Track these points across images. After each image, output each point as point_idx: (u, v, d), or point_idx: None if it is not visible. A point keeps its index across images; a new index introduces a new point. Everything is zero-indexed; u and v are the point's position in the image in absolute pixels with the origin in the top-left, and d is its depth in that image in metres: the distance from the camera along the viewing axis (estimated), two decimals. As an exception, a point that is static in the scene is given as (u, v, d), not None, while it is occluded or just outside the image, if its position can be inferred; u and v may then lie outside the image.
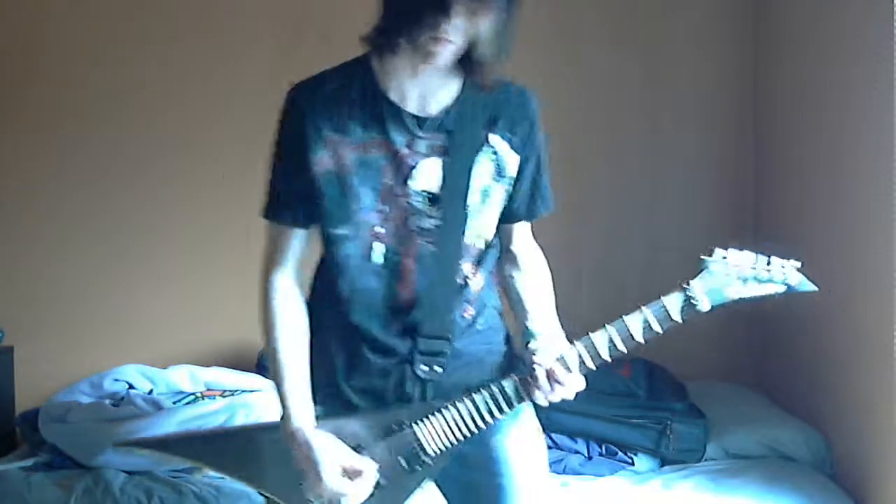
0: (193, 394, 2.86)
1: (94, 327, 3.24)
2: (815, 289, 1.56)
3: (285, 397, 1.59)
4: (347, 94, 1.57)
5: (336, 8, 2.97)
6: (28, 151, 3.24)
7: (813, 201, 2.78)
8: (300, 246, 1.64)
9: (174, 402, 2.77)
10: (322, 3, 3.14)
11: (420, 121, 1.58)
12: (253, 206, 1.66)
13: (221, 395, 2.79)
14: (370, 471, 1.57)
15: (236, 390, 2.84)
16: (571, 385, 1.57)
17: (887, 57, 2.26)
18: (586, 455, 2.60)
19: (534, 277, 1.71)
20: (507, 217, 1.68)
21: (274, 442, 1.61)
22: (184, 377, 2.93)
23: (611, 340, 1.56)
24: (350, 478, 1.55)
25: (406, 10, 1.47)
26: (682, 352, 3.16)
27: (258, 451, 1.65)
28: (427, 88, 1.58)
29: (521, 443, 1.70)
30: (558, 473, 2.53)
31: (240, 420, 2.59)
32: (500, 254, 1.72)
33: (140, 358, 3.06)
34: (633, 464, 2.58)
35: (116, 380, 2.90)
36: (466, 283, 1.63)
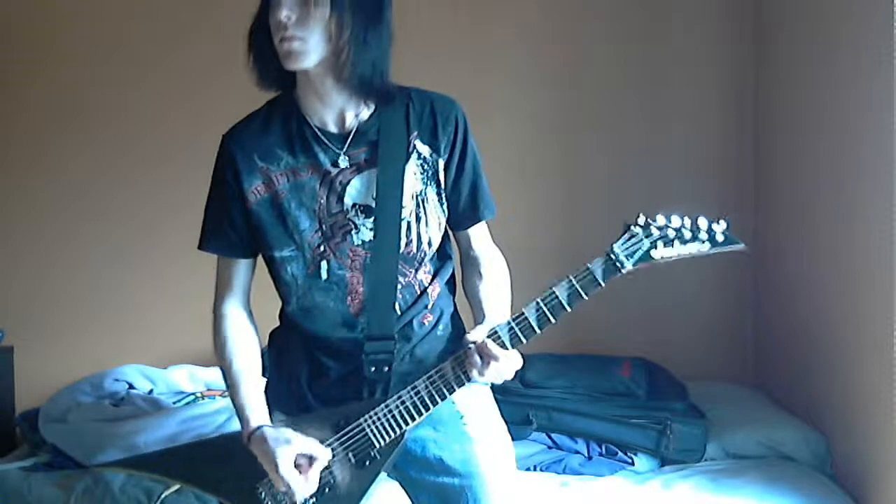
0: (193, 394, 2.86)
1: (94, 327, 3.24)
2: (742, 246, 1.55)
3: (241, 406, 1.65)
4: (274, 126, 1.69)
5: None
6: (29, 152, 3.25)
7: (813, 201, 2.78)
8: (244, 275, 1.75)
9: (174, 402, 2.78)
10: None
11: (344, 138, 1.65)
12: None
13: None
14: (322, 458, 1.58)
15: (236, 390, 2.84)
16: (506, 361, 1.57)
17: (887, 57, 2.26)
18: (586, 455, 2.60)
19: (494, 284, 1.75)
20: (457, 223, 1.74)
21: (236, 450, 1.64)
22: (184, 377, 2.93)
23: (539, 310, 1.56)
24: (300, 469, 1.57)
25: (252, 30, 1.69)
26: (682, 352, 3.17)
27: (220, 460, 1.69)
28: (340, 108, 1.66)
29: (488, 443, 1.74)
30: (558, 473, 2.53)
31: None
32: (461, 260, 1.78)
33: (140, 358, 3.06)
34: (633, 464, 2.58)
35: (116, 380, 2.90)
36: (424, 292, 1.70)
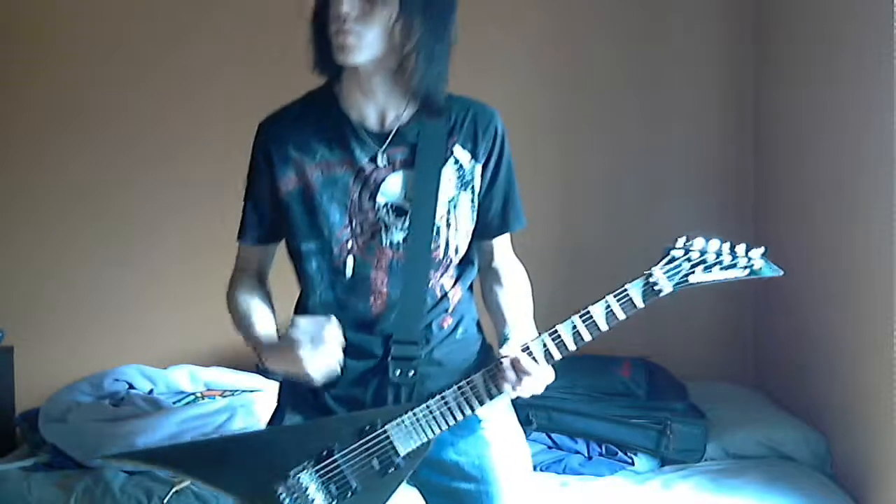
0: (193, 394, 2.86)
1: (94, 327, 3.24)
2: (780, 272, 1.58)
3: (258, 335, 1.65)
4: (311, 118, 1.67)
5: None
6: (29, 152, 3.25)
7: (813, 201, 2.78)
8: (266, 257, 1.76)
9: (174, 402, 2.78)
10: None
11: (382, 136, 1.64)
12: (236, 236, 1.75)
13: (221, 395, 2.79)
14: (332, 331, 1.56)
15: (236, 390, 2.84)
16: (538, 376, 1.58)
17: (887, 57, 2.26)
18: (586, 455, 2.60)
19: (515, 293, 1.75)
20: (483, 232, 1.73)
21: (251, 449, 1.64)
22: (184, 377, 2.93)
23: (575, 329, 1.57)
24: (314, 342, 1.55)
25: (317, 13, 1.61)
26: (682, 352, 3.17)
27: (235, 458, 1.66)
28: (383, 107, 1.65)
29: (504, 449, 1.73)
30: (558, 473, 2.53)
31: (239, 420, 2.60)
32: (482, 270, 1.77)
33: (140, 358, 3.06)
34: (633, 464, 2.58)
35: (116, 380, 2.90)
36: (445, 296, 1.69)
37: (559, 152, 3.26)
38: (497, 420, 1.74)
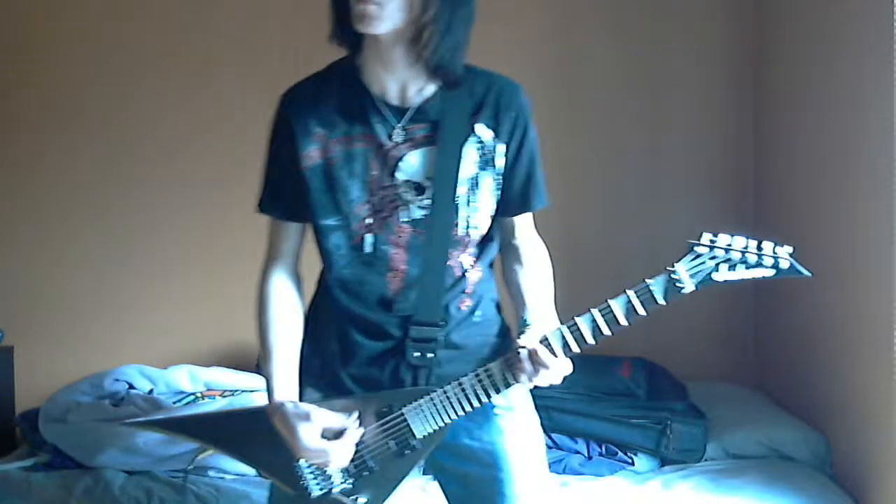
0: (193, 394, 2.86)
1: (95, 327, 3.24)
2: (809, 274, 1.52)
3: (269, 378, 1.63)
4: (332, 92, 1.63)
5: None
6: (29, 153, 3.24)
7: (813, 201, 2.78)
8: (294, 239, 1.70)
9: (174, 402, 2.78)
10: (326, 5, 3.14)
11: (402, 112, 1.62)
12: (253, 208, 1.71)
13: (221, 395, 2.79)
14: (351, 429, 1.58)
15: (236, 390, 2.84)
16: (556, 368, 1.56)
17: (887, 57, 2.26)
18: (586, 455, 2.60)
19: (535, 271, 1.72)
20: (504, 210, 1.69)
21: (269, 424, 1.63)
22: (184, 377, 2.93)
23: (594, 323, 1.56)
24: (330, 439, 1.56)
25: None
26: (682, 352, 3.17)
27: (258, 432, 1.66)
28: (404, 81, 1.62)
29: (518, 436, 1.72)
30: (558, 473, 2.53)
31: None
32: (502, 247, 1.74)
33: (140, 358, 3.06)
34: (633, 464, 2.58)
35: (116, 380, 2.90)
36: (464, 275, 1.66)
37: (559, 152, 3.25)
38: (514, 408, 1.73)
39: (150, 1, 3.25)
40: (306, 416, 1.56)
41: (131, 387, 2.89)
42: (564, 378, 1.60)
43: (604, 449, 2.61)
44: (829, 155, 2.65)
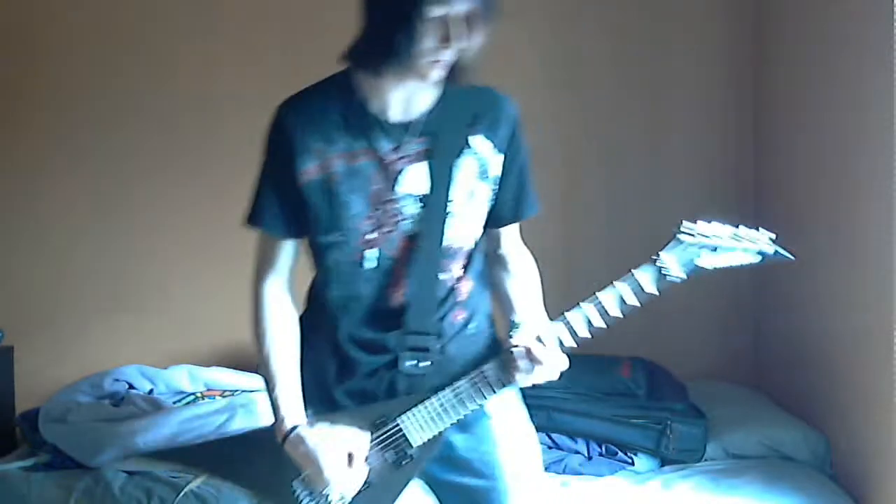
0: (193, 394, 2.86)
1: (95, 327, 3.24)
2: (791, 258, 1.55)
3: (277, 401, 1.61)
4: (332, 106, 1.60)
5: (343, 17, 2.97)
6: (30, 154, 3.24)
7: (813, 201, 2.78)
8: (290, 255, 1.68)
9: (174, 402, 2.78)
10: (327, 6, 3.14)
11: (403, 126, 1.61)
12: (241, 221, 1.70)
13: (221, 395, 2.79)
14: (363, 445, 1.58)
15: (236, 390, 2.84)
16: (551, 363, 1.56)
17: (887, 57, 2.26)
18: (586, 455, 2.60)
19: (523, 279, 1.73)
20: (494, 220, 1.70)
21: (267, 445, 1.62)
22: (184, 377, 2.93)
23: (587, 317, 1.55)
24: (349, 464, 1.56)
25: (406, 39, 1.47)
26: (682, 352, 3.17)
27: (254, 455, 1.66)
28: (410, 95, 1.61)
29: (514, 446, 1.72)
30: (558, 473, 2.53)
31: (239, 420, 2.59)
32: (489, 257, 1.75)
33: (140, 358, 3.06)
34: (633, 464, 2.58)
35: (116, 380, 2.90)
36: (456, 285, 1.66)
37: (560, 152, 3.25)
38: (507, 417, 1.73)
39: (151, 3, 3.25)
40: (328, 441, 1.55)
41: (131, 387, 2.90)
42: (561, 374, 1.60)
43: (604, 449, 2.61)
44: (828, 155, 2.65)
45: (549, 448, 2.62)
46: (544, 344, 1.55)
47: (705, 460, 2.60)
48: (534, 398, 2.64)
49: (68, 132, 3.23)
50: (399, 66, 1.51)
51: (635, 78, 3.25)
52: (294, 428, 1.58)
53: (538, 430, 2.60)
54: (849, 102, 2.51)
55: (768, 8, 3.13)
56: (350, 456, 1.56)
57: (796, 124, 2.91)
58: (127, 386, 2.89)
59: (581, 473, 2.54)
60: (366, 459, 1.59)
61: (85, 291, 3.25)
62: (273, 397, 1.62)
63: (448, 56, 1.51)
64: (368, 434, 1.60)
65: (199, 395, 2.85)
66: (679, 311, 3.22)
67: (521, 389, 1.73)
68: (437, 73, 1.53)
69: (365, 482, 1.60)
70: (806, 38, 2.82)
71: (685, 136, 3.27)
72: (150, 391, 2.88)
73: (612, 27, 3.25)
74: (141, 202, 3.24)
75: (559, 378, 1.60)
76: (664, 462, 2.61)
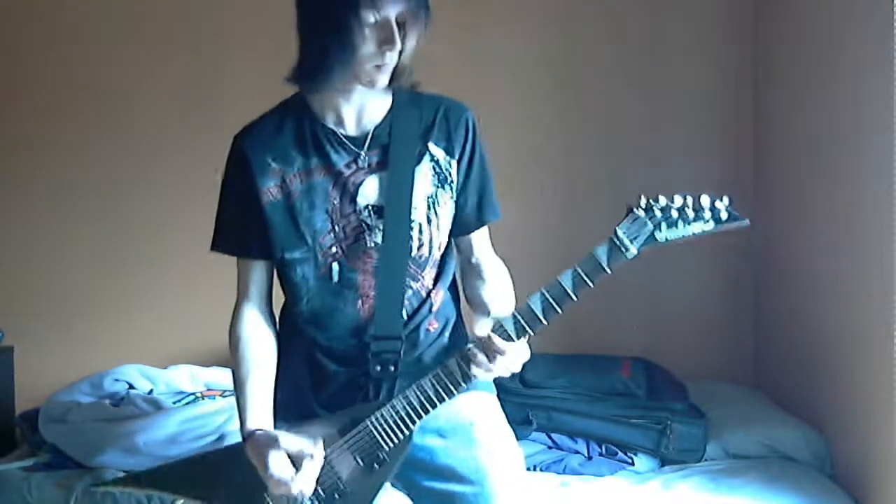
0: (193, 394, 2.86)
1: (94, 327, 3.24)
2: (746, 223, 1.55)
3: (241, 410, 1.64)
4: (287, 127, 1.66)
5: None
6: (28, 154, 3.25)
7: (813, 201, 2.78)
8: (262, 277, 1.72)
9: (174, 402, 2.78)
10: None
11: (357, 139, 1.65)
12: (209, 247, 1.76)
13: (221, 395, 2.79)
14: (317, 452, 1.56)
15: (236, 390, 2.84)
16: (513, 354, 1.55)
17: (887, 57, 2.26)
18: (586, 455, 2.60)
19: (497, 287, 1.75)
20: (459, 227, 1.72)
21: (241, 461, 1.62)
22: (184, 377, 2.93)
23: (544, 300, 1.54)
24: (296, 465, 1.55)
25: (348, 48, 1.52)
26: (682, 352, 3.17)
27: (227, 471, 1.66)
28: (361, 107, 1.65)
29: (497, 450, 1.73)
30: (558, 473, 2.53)
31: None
32: (462, 266, 1.77)
33: (140, 358, 3.06)
34: (633, 464, 2.57)
35: (116, 380, 2.90)
36: (429, 295, 1.69)
37: (560, 152, 3.26)
38: (488, 422, 1.74)
39: (149, 2, 3.25)
40: (274, 441, 1.55)
41: (131, 387, 2.89)
42: (548, 386, 1.60)
43: (604, 449, 2.61)
44: (828, 154, 2.65)
45: (549, 448, 2.62)
46: (507, 332, 1.54)
47: (705, 460, 2.60)
48: (534, 398, 2.67)
49: (66, 132, 3.23)
50: (344, 75, 1.55)
51: (635, 78, 3.25)
52: (253, 431, 1.60)
53: (538, 430, 2.63)
54: (848, 102, 2.51)
55: (768, 8, 3.13)
56: (293, 456, 1.55)
57: (796, 124, 2.91)
58: (127, 386, 2.89)
59: (581, 473, 2.53)
60: (330, 464, 1.59)
61: (85, 291, 3.25)
62: (239, 405, 1.64)
63: (389, 59, 1.54)
64: (335, 438, 1.60)
65: (199, 395, 2.85)
66: (679, 311, 3.22)
67: (516, 392, 1.74)
68: (382, 78, 1.57)
69: (336, 491, 1.60)
70: (806, 38, 2.82)
71: (685, 135, 3.27)
72: (150, 391, 2.88)
73: (612, 27, 3.25)
74: (140, 201, 3.24)
75: (544, 390, 1.61)
76: (664, 462, 2.61)
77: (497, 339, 1.54)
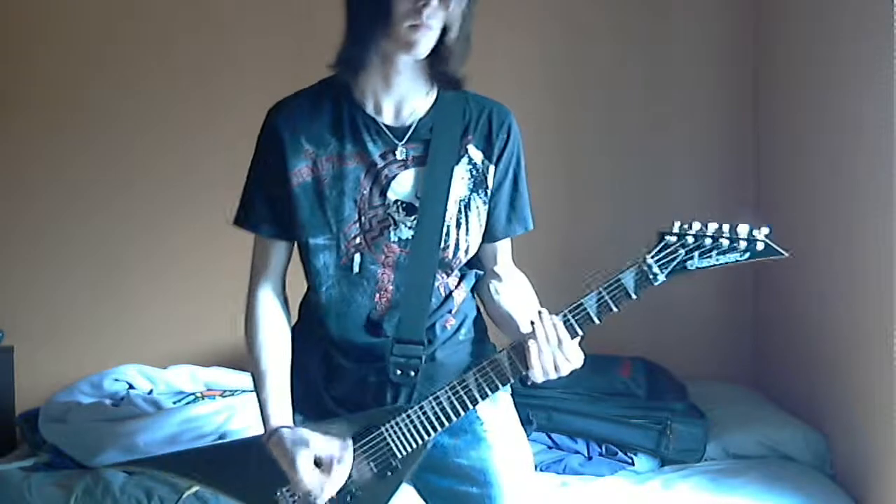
0: (193, 394, 2.86)
1: (94, 327, 3.24)
2: (785, 254, 1.48)
3: (264, 403, 1.62)
4: (324, 109, 1.61)
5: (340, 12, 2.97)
6: (27, 152, 3.24)
7: (813, 201, 2.78)
8: (281, 257, 1.68)
9: (174, 402, 2.77)
10: (325, 5, 3.14)
11: (396, 131, 1.60)
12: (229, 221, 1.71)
13: (221, 395, 2.79)
14: (346, 455, 1.55)
15: (236, 390, 2.84)
16: (568, 350, 1.53)
17: (887, 57, 2.26)
18: (586, 455, 2.60)
19: (521, 295, 1.72)
20: (489, 233, 1.69)
21: (258, 455, 1.61)
22: (184, 377, 2.93)
23: (567, 322, 1.53)
24: (324, 469, 1.54)
25: (384, 2, 1.48)
26: (682, 352, 3.17)
27: (244, 463, 1.65)
28: (402, 97, 1.60)
29: (505, 451, 1.71)
30: (558, 473, 2.53)
31: (239, 420, 2.59)
32: (486, 273, 1.74)
33: (140, 358, 3.06)
34: (633, 464, 2.58)
35: (116, 380, 2.90)
36: (450, 295, 1.66)
37: (560, 152, 3.26)
38: (499, 422, 1.72)
39: (146, 0, 3.25)
40: (304, 442, 1.54)
41: (131, 387, 2.89)
42: (547, 386, 1.58)
43: (604, 449, 2.61)
44: (828, 155, 2.65)
45: (549, 448, 2.62)
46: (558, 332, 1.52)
47: (705, 460, 2.60)
48: (534, 398, 2.67)
49: (65, 131, 3.22)
50: (384, 34, 1.50)
51: (636, 78, 3.25)
52: (278, 428, 1.58)
53: (538, 430, 2.63)
54: (849, 102, 2.51)
55: (768, 8, 3.13)
56: (324, 460, 1.54)
57: (796, 124, 2.91)
58: (127, 386, 2.89)
59: (581, 473, 2.54)
60: (350, 493, 1.58)
61: (84, 291, 3.25)
62: (261, 399, 1.62)
63: (426, 19, 1.48)
64: (351, 442, 1.58)
65: (199, 395, 2.85)
66: (679, 311, 3.22)
67: (516, 391, 1.74)
68: (420, 42, 1.50)
69: (349, 494, 1.59)
70: (806, 38, 2.82)
71: (686, 135, 3.27)
72: (150, 391, 2.88)
73: (612, 27, 3.25)
74: (140, 201, 3.23)
75: (544, 390, 1.59)
76: (664, 462, 2.61)
77: (562, 330, 1.51)
